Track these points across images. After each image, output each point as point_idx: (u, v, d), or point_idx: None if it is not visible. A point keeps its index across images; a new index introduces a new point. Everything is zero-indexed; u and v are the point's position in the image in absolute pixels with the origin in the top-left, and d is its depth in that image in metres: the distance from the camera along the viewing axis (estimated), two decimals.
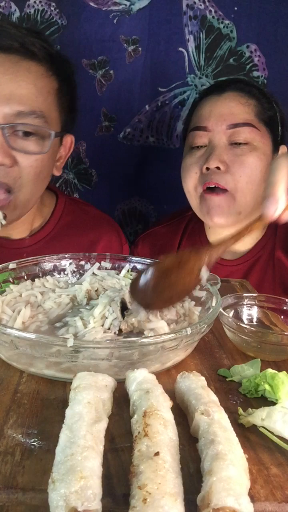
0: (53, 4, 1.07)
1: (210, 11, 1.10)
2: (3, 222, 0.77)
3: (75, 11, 1.07)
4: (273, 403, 0.46)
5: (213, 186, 0.87)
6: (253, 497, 0.35)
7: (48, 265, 0.73)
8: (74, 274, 0.74)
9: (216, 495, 0.31)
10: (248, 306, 0.67)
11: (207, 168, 0.88)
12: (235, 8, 1.09)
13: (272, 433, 0.42)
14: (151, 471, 0.33)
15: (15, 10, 1.07)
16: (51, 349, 0.46)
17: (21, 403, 0.45)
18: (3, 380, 0.50)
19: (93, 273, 0.74)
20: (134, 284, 0.54)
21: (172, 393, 0.45)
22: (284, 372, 0.48)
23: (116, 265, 0.75)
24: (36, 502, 0.34)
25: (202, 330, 0.51)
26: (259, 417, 0.42)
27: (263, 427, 0.42)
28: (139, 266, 0.75)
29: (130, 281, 0.71)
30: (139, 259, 0.76)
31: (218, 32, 1.11)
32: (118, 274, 0.73)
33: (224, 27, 1.11)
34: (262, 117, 0.90)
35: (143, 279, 0.52)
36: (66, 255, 0.74)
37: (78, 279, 0.74)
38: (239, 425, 0.43)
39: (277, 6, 1.10)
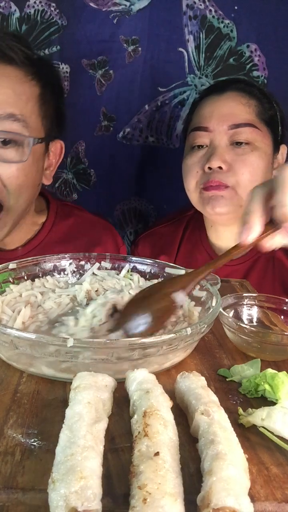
0: (53, 4, 1.07)
1: (210, 10, 1.10)
2: None
3: (75, 11, 1.07)
4: (273, 403, 0.46)
5: (215, 185, 0.87)
6: (253, 497, 0.35)
7: (48, 265, 0.73)
8: (74, 274, 0.74)
9: (216, 495, 0.31)
10: (248, 306, 0.67)
11: (209, 168, 0.88)
12: (235, 8, 1.09)
13: (272, 433, 0.42)
14: (151, 471, 0.33)
15: (15, 11, 1.07)
16: (51, 349, 0.46)
17: (21, 403, 0.45)
18: (3, 380, 0.50)
19: (93, 273, 0.74)
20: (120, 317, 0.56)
21: (172, 393, 0.45)
22: (284, 372, 0.48)
23: (116, 265, 0.75)
24: (36, 502, 0.34)
25: (202, 330, 0.51)
26: (259, 417, 0.42)
27: (263, 427, 0.42)
28: (139, 266, 0.75)
29: (130, 281, 0.71)
30: (139, 259, 0.76)
31: (218, 31, 1.11)
32: (118, 274, 0.73)
33: (224, 26, 1.11)
34: (263, 117, 0.91)
35: (124, 309, 0.55)
36: (66, 255, 0.74)
37: (78, 279, 0.74)
38: (239, 425, 0.43)
39: (277, 5, 1.10)
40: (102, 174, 1.23)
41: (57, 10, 1.07)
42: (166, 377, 0.51)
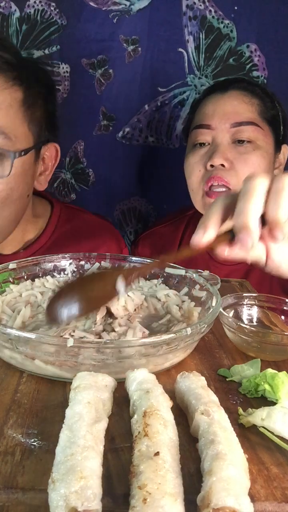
0: (53, 4, 1.07)
1: (210, 11, 1.10)
2: None
3: (75, 11, 1.07)
4: (273, 403, 0.46)
5: (217, 183, 0.87)
6: (253, 497, 0.35)
7: (48, 265, 0.73)
8: (74, 274, 0.74)
9: (216, 495, 0.31)
10: (248, 306, 0.67)
11: (212, 166, 0.88)
12: (235, 8, 1.09)
13: (272, 433, 0.42)
14: (151, 471, 0.33)
15: (15, 10, 1.07)
16: (51, 349, 0.46)
17: (21, 403, 0.45)
18: (3, 380, 0.50)
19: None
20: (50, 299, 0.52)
21: (172, 393, 0.45)
22: (284, 372, 0.48)
23: (116, 265, 0.75)
24: (36, 502, 0.34)
25: (202, 330, 0.51)
26: (259, 417, 0.42)
27: (263, 427, 0.42)
28: (139, 266, 0.75)
29: None
30: (139, 259, 0.75)
31: (218, 32, 1.11)
32: None
33: (224, 27, 1.11)
34: (265, 116, 0.91)
35: (57, 291, 0.51)
36: (66, 255, 0.74)
37: None
38: (239, 425, 0.43)
39: (277, 5, 1.10)
40: (101, 174, 1.23)
41: (57, 10, 1.07)
42: (166, 377, 0.51)
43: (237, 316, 0.66)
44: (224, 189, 0.88)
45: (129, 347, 0.46)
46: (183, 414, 0.44)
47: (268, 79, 1.14)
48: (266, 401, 0.48)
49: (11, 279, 0.67)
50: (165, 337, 0.47)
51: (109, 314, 0.57)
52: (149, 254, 1.05)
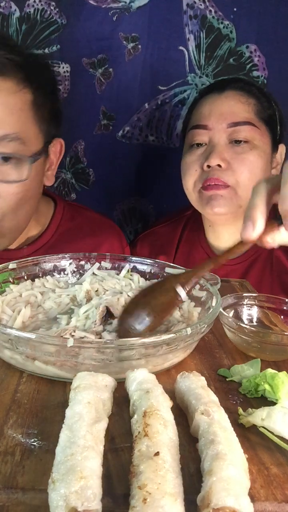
0: (53, 3, 1.06)
1: (210, 11, 1.10)
2: None
3: (75, 9, 1.07)
4: (273, 403, 0.46)
5: (214, 184, 0.87)
6: (253, 497, 0.35)
7: (48, 265, 0.73)
8: (74, 274, 0.74)
9: (216, 495, 0.31)
10: (248, 306, 0.67)
11: (208, 166, 0.88)
12: (235, 9, 1.09)
13: (272, 433, 0.42)
14: (151, 471, 0.33)
15: (15, 10, 1.06)
16: (51, 349, 0.46)
17: (21, 403, 0.45)
18: (3, 380, 0.50)
19: (93, 273, 0.73)
20: (120, 316, 0.55)
21: (172, 393, 0.45)
22: (284, 372, 0.48)
23: (116, 265, 0.75)
24: (36, 502, 0.34)
25: (202, 330, 0.51)
26: (259, 417, 0.42)
27: (263, 427, 0.42)
28: (139, 266, 0.75)
29: (130, 281, 0.71)
30: (139, 259, 0.76)
31: (218, 32, 1.11)
32: (118, 274, 0.73)
33: (223, 27, 1.11)
34: (262, 116, 0.91)
35: (125, 308, 0.55)
36: (66, 255, 0.74)
37: (78, 279, 0.74)
38: (239, 425, 0.43)
39: (276, 6, 1.09)
40: (102, 174, 1.22)
41: (57, 9, 1.07)
42: (166, 377, 0.51)
43: (237, 316, 0.66)
44: (222, 187, 0.87)
45: (129, 347, 0.46)
46: (183, 414, 0.44)
47: (268, 79, 1.14)
48: (266, 401, 0.48)
49: (11, 279, 0.67)
50: (165, 337, 0.47)
51: (109, 314, 0.57)
52: (147, 254, 1.05)
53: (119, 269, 0.75)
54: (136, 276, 0.73)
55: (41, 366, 0.49)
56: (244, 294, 0.69)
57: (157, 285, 0.55)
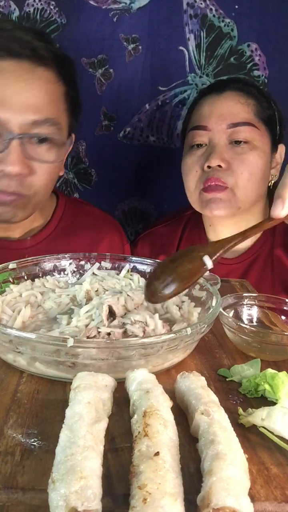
0: (53, 2, 1.06)
1: (211, 9, 1.10)
2: None
3: (75, 9, 1.07)
4: (273, 403, 0.46)
5: (214, 184, 0.88)
6: (253, 497, 0.35)
7: (48, 265, 0.73)
8: (74, 274, 0.74)
9: (216, 495, 0.31)
10: (248, 306, 0.67)
11: (209, 167, 0.88)
12: (236, 7, 1.09)
13: (272, 433, 0.42)
14: (151, 471, 0.33)
15: (15, 9, 1.06)
16: (51, 349, 0.46)
17: (21, 403, 0.46)
18: (3, 380, 0.50)
19: (93, 273, 0.73)
20: (147, 280, 0.55)
21: (172, 393, 0.45)
22: (284, 372, 0.48)
23: (116, 265, 0.75)
24: (36, 502, 0.34)
25: (202, 330, 0.51)
26: (259, 417, 0.42)
27: (263, 427, 0.42)
28: (139, 266, 0.75)
29: (130, 281, 0.71)
30: (139, 259, 0.76)
31: (218, 31, 1.11)
32: (118, 274, 0.73)
33: (224, 25, 1.11)
34: (261, 116, 0.91)
35: (152, 272, 0.56)
36: (66, 255, 0.74)
37: (78, 279, 0.74)
38: (239, 425, 0.43)
39: (277, 4, 1.09)
40: (103, 174, 1.23)
41: (57, 9, 1.07)
42: (166, 377, 0.51)
43: (237, 316, 0.66)
44: (221, 192, 0.87)
45: (129, 347, 0.46)
46: (183, 414, 0.44)
47: (269, 78, 1.14)
48: (266, 401, 0.48)
49: (11, 279, 0.67)
50: (165, 337, 0.47)
51: (111, 312, 0.57)
52: (148, 254, 1.05)
53: (119, 269, 0.75)
54: (136, 276, 0.73)
55: (41, 368, 0.49)
56: (244, 294, 0.69)
57: (185, 253, 0.55)
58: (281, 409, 0.43)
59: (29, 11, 1.07)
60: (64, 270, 0.74)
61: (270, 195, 1.00)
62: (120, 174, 1.23)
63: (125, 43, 1.11)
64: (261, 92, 0.94)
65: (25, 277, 0.69)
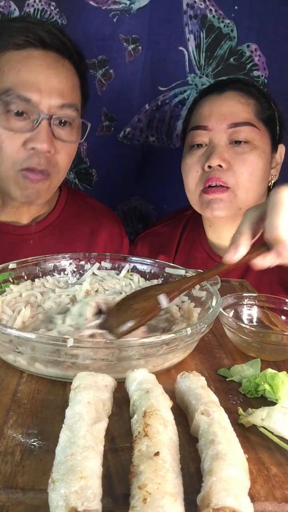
0: (53, 3, 1.06)
1: (211, 10, 1.10)
2: None
3: (75, 10, 1.07)
4: (273, 403, 0.46)
5: (214, 184, 0.88)
6: (253, 497, 0.35)
7: (48, 265, 0.73)
8: (74, 274, 0.74)
9: (216, 495, 0.31)
10: (248, 306, 0.67)
11: (209, 167, 0.88)
12: (236, 8, 1.09)
13: (272, 433, 0.42)
14: (151, 471, 0.33)
15: (15, 9, 1.06)
16: (51, 349, 0.46)
17: (21, 403, 0.45)
18: (3, 380, 0.50)
19: (93, 273, 0.74)
20: (106, 314, 0.57)
21: (172, 393, 0.45)
22: (284, 372, 0.48)
23: (116, 265, 0.75)
24: (36, 502, 0.34)
25: (202, 330, 0.51)
26: (259, 417, 0.42)
27: (263, 427, 0.42)
28: (139, 266, 0.75)
29: (130, 281, 0.71)
30: (139, 259, 0.76)
31: (218, 31, 1.11)
32: (118, 274, 0.73)
33: (224, 26, 1.11)
34: (261, 117, 0.91)
35: (111, 308, 0.57)
36: (66, 255, 0.74)
37: (78, 279, 0.74)
38: (239, 425, 0.43)
39: (277, 5, 1.10)
40: (104, 174, 1.23)
41: (57, 9, 1.07)
42: (166, 377, 0.51)
43: (237, 316, 0.66)
44: (221, 193, 0.88)
45: (129, 347, 0.46)
46: (183, 414, 0.44)
47: (269, 79, 1.14)
48: (266, 401, 0.48)
49: (11, 279, 0.67)
50: (165, 337, 0.47)
51: (100, 312, 0.58)
52: (147, 254, 1.05)
53: (119, 269, 0.75)
54: (136, 276, 0.73)
55: (41, 368, 0.49)
56: (244, 294, 0.69)
57: (142, 291, 0.58)
58: (281, 409, 0.43)
59: (29, 11, 1.07)
60: (64, 270, 0.74)
61: None
62: (120, 174, 1.23)
63: (125, 44, 1.11)
64: (261, 92, 0.94)
65: (25, 277, 0.69)
